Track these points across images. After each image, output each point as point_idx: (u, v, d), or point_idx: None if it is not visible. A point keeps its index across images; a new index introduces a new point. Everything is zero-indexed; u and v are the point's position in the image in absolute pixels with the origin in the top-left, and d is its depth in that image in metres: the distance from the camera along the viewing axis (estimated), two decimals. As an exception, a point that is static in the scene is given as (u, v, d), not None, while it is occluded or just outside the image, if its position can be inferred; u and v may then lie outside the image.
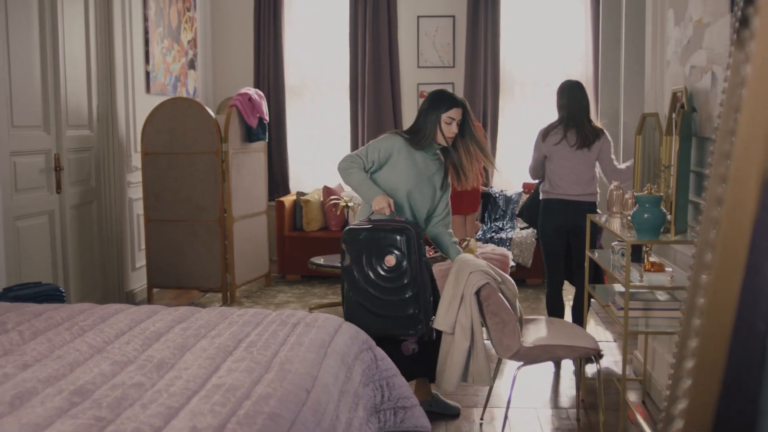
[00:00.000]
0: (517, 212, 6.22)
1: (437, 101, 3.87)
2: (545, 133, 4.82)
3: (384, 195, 3.76)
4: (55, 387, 2.22)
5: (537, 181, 5.09)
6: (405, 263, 3.56)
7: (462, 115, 3.86)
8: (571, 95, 4.78)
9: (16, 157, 4.83)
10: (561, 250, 4.96)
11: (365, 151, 3.90)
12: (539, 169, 4.92)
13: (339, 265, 5.75)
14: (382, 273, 3.60)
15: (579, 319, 4.89)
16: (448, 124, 3.83)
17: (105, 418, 1.99)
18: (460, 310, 3.56)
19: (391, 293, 3.60)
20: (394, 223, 3.64)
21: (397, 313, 3.60)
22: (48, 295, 4.45)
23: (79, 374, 2.35)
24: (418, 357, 3.83)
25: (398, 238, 3.56)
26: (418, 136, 3.88)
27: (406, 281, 3.58)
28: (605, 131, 4.80)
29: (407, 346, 3.80)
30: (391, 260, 3.56)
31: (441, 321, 3.60)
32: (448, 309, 3.59)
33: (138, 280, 6.49)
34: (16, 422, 1.95)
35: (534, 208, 5.17)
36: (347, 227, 3.73)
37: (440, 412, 3.99)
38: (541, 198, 5.00)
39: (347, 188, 6.74)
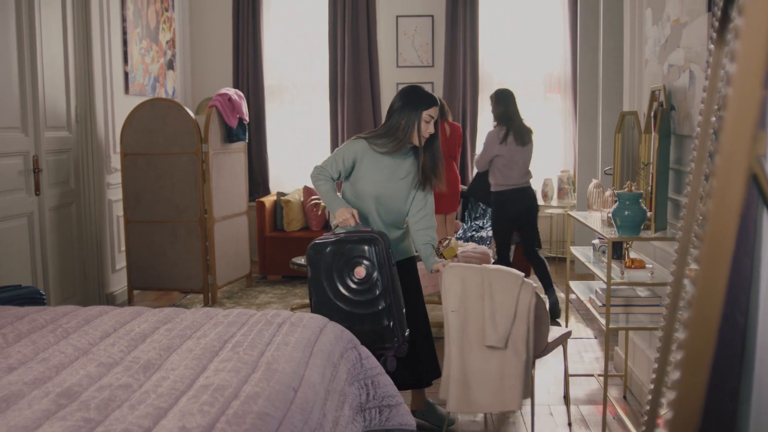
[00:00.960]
0: (467, 191, 6.63)
1: (415, 99, 3.65)
2: (502, 137, 5.69)
3: (347, 207, 3.62)
4: (41, 389, 2.21)
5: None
6: (375, 274, 3.44)
7: (437, 114, 3.70)
8: (511, 101, 5.75)
9: (-6, 159, 4.79)
10: (512, 231, 5.99)
11: (331, 161, 3.74)
12: (488, 163, 5.85)
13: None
14: (353, 286, 3.47)
15: (548, 284, 5.90)
16: (427, 123, 3.63)
17: (93, 420, 1.99)
18: (515, 324, 3.38)
19: (362, 306, 3.47)
20: (360, 234, 3.51)
21: (372, 326, 3.47)
22: (28, 297, 4.41)
23: (65, 376, 2.34)
24: (398, 370, 3.61)
25: (366, 248, 3.44)
26: (394, 137, 3.66)
27: (378, 293, 3.46)
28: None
29: (392, 363, 3.54)
30: (361, 272, 3.44)
31: (493, 337, 3.38)
32: (498, 323, 3.38)
33: (118, 282, 6.46)
34: (3, 425, 1.94)
35: (483, 188, 6.08)
36: (312, 242, 3.58)
37: (431, 423, 3.88)
38: (494, 191, 5.87)
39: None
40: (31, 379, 2.31)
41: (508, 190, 5.79)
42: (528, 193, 5.87)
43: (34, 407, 2.07)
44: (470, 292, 3.44)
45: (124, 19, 6.51)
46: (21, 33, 5.09)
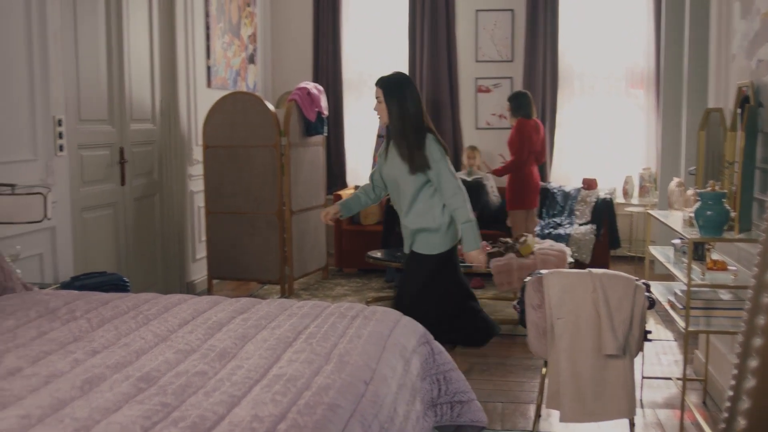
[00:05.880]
0: None
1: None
2: None
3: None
4: (122, 373, 2.29)
5: None
6: None
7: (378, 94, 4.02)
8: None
9: (83, 151, 4.97)
10: None
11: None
12: None
13: (395, 259, 5.78)
14: None
15: None
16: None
17: (170, 405, 2.05)
18: (632, 330, 3.24)
19: None
20: None
21: None
22: (112, 284, 4.56)
23: (144, 361, 2.42)
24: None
25: None
26: None
27: None
28: None
29: None
30: None
31: (613, 345, 3.20)
32: (617, 330, 3.22)
33: (198, 272, 6.62)
34: (86, 406, 2.02)
35: None
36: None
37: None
38: None
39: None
40: (113, 362, 2.40)
41: None
42: None
43: (115, 390, 2.15)
44: (581, 298, 3.26)
45: (207, 15, 6.66)
46: (110, 29, 5.27)
